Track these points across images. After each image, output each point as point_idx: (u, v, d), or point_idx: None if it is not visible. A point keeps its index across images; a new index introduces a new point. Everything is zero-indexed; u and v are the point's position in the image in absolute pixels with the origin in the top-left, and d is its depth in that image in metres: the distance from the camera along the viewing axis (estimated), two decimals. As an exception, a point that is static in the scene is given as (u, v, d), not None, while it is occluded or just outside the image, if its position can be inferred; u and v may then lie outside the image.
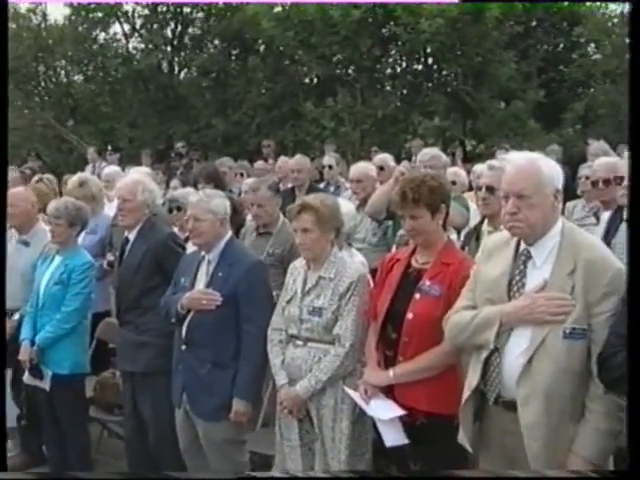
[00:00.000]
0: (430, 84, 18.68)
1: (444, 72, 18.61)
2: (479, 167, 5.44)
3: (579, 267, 3.14)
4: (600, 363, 3.02)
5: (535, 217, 3.19)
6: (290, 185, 7.89)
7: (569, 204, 7.08)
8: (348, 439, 4.10)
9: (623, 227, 4.46)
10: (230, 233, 4.74)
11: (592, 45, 19.04)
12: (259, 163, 10.63)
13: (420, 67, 18.93)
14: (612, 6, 18.75)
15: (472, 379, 3.33)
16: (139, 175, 5.88)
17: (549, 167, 3.27)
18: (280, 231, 5.81)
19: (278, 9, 17.62)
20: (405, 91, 18.70)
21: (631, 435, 2.26)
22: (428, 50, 17.74)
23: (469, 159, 14.76)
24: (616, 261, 3.23)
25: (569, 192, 7.64)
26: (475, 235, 4.74)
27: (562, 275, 3.16)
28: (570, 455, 3.13)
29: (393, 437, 3.81)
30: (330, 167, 8.89)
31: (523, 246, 3.30)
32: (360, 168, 6.96)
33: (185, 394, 4.61)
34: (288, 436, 4.28)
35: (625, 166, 4.55)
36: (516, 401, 3.17)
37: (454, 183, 6.91)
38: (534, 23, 18.88)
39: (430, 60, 18.50)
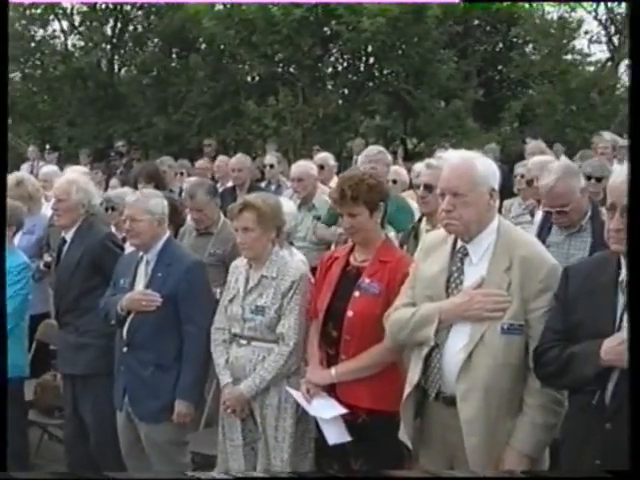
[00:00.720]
0: (371, 83, 18.78)
1: (385, 71, 18.71)
2: (418, 166, 5.49)
3: (515, 264, 3.19)
4: (535, 358, 3.08)
5: (470, 215, 3.23)
6: (231, 184, 7.87)
7: (506, 202, 7.18)
8: (291, 438, 4.11)
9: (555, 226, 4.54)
10: (168, 233, 4.72)
11: (530, 46, 19.37)
12: (200, 162, 10.58)
13: (361, 66, 19.01)
14: (549, 8, 19.10)
15: (413, 376, 3.36)
16: (74, 174, 5.84)
17: (484, 166, 3.31)
18: (221, 231, 5.79)
19: (219, 7, 17.54)
20: (347, 90, 18.77)
21: (631, 435, 2.29)
22: (369, 49, 17.82)
23: (410, 158, 14.88)
24: (551, 258, 3.30)
25: (507, 190, 7.79)
26: (414, 233, 4.79)
27: (499, 272, 3.21)
28: (507, 449, 3.18)
29: (335, 435, 3.82)
30: (271, 166, 8.88)
31: (460, 243, 3.33)
32: (301, 167, 6.98)
33: (127, 396, 4.56)
34: (231, 436, 4.27)
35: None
36: (456, 396, 3.21)
37: (395, 182, 6.99)
38: (474, 23, 19.12)
39: (371, 59, 18.59)
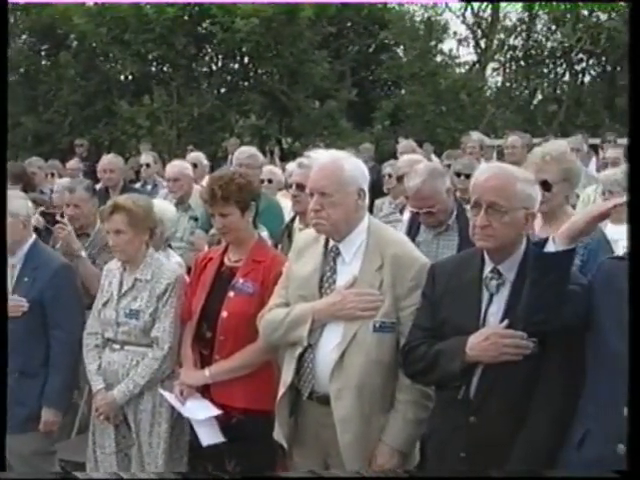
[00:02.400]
0: (246, 83, 18.78)
1: (260, 71, 18.75)
2: (291, 165, 5.53)
3: (386, 262, 3.24)
4: (404, 356, 3.13)
5: (338, 215, 3.25)
6: (103, 185, 7.70)
7: (378, 201, 7.30)
8: (165, 443, 4.05)
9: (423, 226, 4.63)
10: (34, 236, 4.58)
11: (400, 47, 19.78)
12: (71, 162, 10.32)
13: (236, 66, 18.99)
14: (417, 12, 19.58)
15: (287, 375, 3.36)
16: None
17: (353, 166, 3.32)
18: (98, 232, 5.65)
19: (90, 4, 17.15)
20: (221, 90, 18.70)
21: (631, 435, 2.33)
22: (244, 49, 17.80)
23: (286, 157, 14.96)
24: (421, 256, 3.36)
25: (379, 189, 7.92)
26: (287, 232, 4.80)
27: (371, 271, 3.25)
28: (379, 445, 3.23)
29: (209, 436, 3.80)
30: (147, 165, 8.75)
31: (332, 243, 3.35)
32: (176, 167, 6.91)
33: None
34: (102, 443, 4.17)
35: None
36: (329, 395, 3.24)
37: (270, 181, 6.98)
38: (347, 24, 19.38)
39: (246, 59, 18.59)
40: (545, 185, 3.67)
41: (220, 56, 18.60)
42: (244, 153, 6.68)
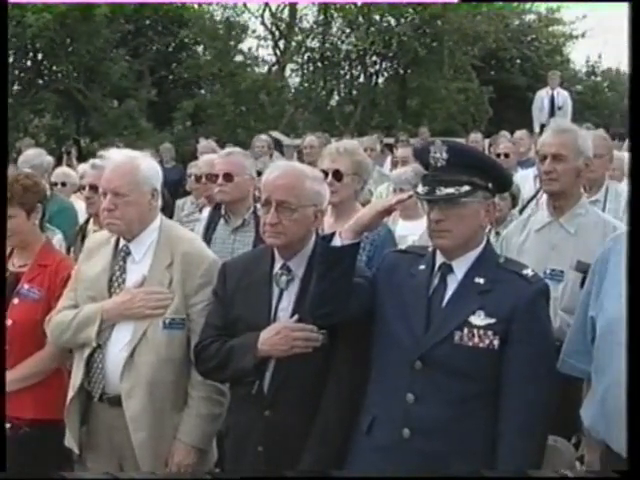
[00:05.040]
0: (41, 81, 18.09)
1: (55, 69, 18.11)
2: (83, 167, 5.38)
3: (176, 260, 3.26)
4: (196, 354, 3.14)
5: (132, 214, 3.25)
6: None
7: (179, 201, 7.28)
8: None
9: (221, 222, 4.66)
10: None
11: (200, 47, 19.73)
12: None
13: (29, 63, 18.22)
14: (216, 11, 19.59)
15: (76, 378, 3.31)
16: None
17: (147, 166, 3.34)
18: None
19: None
20: (14, 88, 17.88)
21: (631, 435, 2.34)
22: (37, 45, 17.14)
23: (84, 158, 14.54)
24: (211, 253, 3.42)
25: (182, 189, 7.89)
26: (81, 235, 4.69)
27: (160, 269, 3.26)
28: (175, 442, 3.23)
29: None
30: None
31: (123, 242, 3.34)
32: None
33: None
34: None
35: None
36: (121, 395, 3.20)
37: (64, 184, 6.75)
38: (145, 22, 19.10)
39: (40, 56, 17.89)
40: (337, 175, 3.89)
41: (11, 51, 17.78)
42: (30, 155, 6.46)
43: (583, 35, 23.82)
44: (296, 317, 2.98)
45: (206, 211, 5.32)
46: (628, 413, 2.35)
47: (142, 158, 3.38)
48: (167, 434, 3.23)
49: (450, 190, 2.70)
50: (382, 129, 16.07)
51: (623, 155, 8.00)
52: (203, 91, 19.11)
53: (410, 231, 5.31)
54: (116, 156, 3.42)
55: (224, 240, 4.58)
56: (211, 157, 6.35)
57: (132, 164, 3.29)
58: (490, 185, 2.78)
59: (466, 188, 2.71)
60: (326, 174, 3.94)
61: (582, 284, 3.07)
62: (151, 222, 3.32)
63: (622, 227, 3.60)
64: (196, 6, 19.68)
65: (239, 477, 3.01)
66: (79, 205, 6.03)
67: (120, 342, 3.23)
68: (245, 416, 3.04)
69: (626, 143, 12.69)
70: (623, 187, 5.92)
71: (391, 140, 12.25)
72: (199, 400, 3.24)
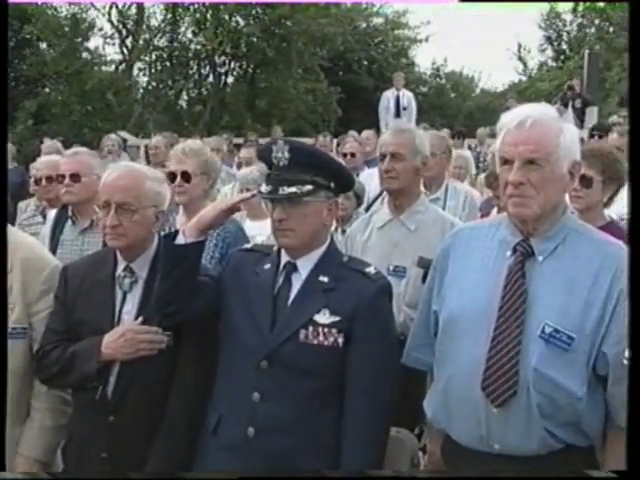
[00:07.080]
0: None
1: None
2: None
3: (16, 267, 3.12)
4: (37, 361, 3.04)
5: None
6: None
7: (21, 204, 7.00)
8: None
9: (68, 223, 4.55)
10: None
11: (44, 44, 19.12)
12: None
13: None
14: (62, 9, 19.04)
15: None
16: None
17: None
18: None
19: None
20: None
21: (631, 435, 2.26)
22: None
23: None
24: (53, 259, 3.32)
25: (25, 191, 7.59)
26: None
27: None
28: (17, 457, 3.11)
29: None
30: None
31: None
32: None
33: None
34: None
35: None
36: None
37: None
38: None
39: None
40: (185, 176, 3.95)
41: None
42: None
43: (427, 39, 24.72)
44: (141, 319, 2.94)
45: (52, 213, 5.16)
46: (628, 413, 2.33)
47: None
48: (10, 449, 3.07)
49: (292, 189, 2.73)
50: (232, 129, 16.06)
51: (467, 154, 8.42)
52: (47, 90, 18.49)
53: (258, 231, 5.33)
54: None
55: (72, 242, 4.45)
56: (51, 158, 6.17)
57: None
58: (332, 185, 2.82)
59: (308, 187, 2.74)
60: (175, 176, 3.95)
61: (424, 279, 3.15)
62: None
63: (459, 223, 3.78)
64: (39, 2, 19.04)
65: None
66: None
67: None
68: (88, 423, 2.97)
69: (466, 141, 13.26)
70: (462, 185, 6.21)
71: (240, 140, 12.27)
72: (43, 412, 3.14)
